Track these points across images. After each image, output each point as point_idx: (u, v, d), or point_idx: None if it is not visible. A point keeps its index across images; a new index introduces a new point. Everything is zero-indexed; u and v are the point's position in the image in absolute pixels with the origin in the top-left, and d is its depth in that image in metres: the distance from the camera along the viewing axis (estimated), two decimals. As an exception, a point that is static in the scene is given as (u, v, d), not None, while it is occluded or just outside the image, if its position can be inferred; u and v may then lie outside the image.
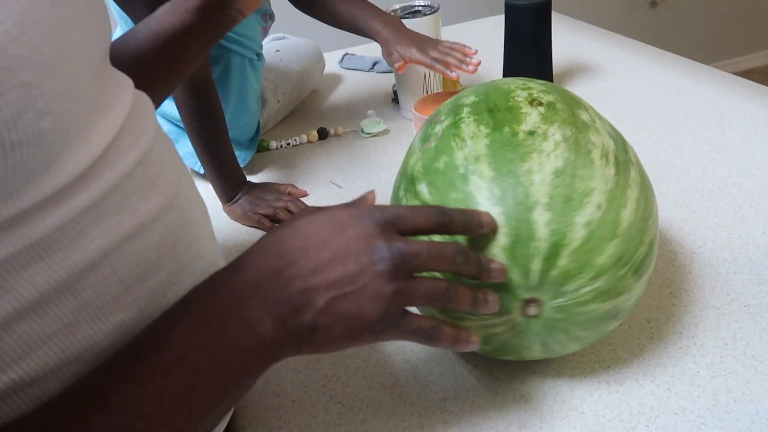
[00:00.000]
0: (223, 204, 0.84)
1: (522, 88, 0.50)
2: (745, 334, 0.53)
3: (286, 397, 0.53)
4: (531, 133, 0.45)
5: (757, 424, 0.46)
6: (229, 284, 0.36)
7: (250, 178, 0.91)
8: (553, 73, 1.11)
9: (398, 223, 0.39)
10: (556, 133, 0.45)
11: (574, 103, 0.49)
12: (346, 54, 1.34)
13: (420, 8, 1.00)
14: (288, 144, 1.00)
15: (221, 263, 0.47)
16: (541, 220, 0.43)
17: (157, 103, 0.58)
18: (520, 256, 0.42)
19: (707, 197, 0.72)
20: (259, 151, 0.99)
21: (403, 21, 0.94)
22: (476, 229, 0.42)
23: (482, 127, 0.47)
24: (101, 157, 0.35)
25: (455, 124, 0.49)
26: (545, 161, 0.44)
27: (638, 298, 0.49)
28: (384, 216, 0.39)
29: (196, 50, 0.57)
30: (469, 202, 0.44)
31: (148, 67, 0.54)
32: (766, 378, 0.49)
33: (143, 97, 0.43)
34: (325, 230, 0.38)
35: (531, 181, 0.44)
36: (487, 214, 0.43)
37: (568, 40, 1.28)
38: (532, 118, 0.47)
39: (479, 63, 0.85)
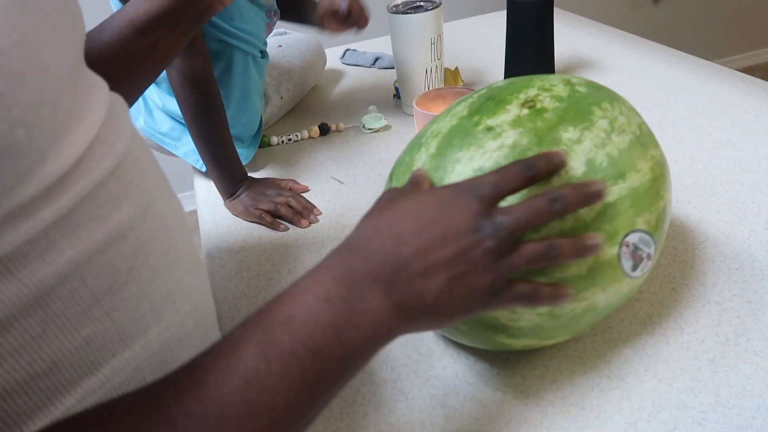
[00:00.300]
0: (224, 199, 0.84)
1: (541, 87, 0.49)
2: (747, 329, 0.53)
3: (287, 391, 0.53)
4: (490, 128, 0.46)
5: (759, 419, 0.46)
6: (349, 268, 0.36)
7: (251, 174, 0.91)
8: (555, 69, 1.11)
9: (495, 194, 0.40)
10: (510, 137, 0.45)
11: (575, 119, 0.47)
12: (348, 49, 1.33)
13: (422, 3, 0.99)
14: (289, 140, 1.00)
15: (201, 269, 0.46)
16: None
17: (136, 95, 0.57)
18: None
19: (709, 193, 0.72)
20: (260, 146, 0.99)
21: (406, 17, 0.94)
22: (560, 166, 0.42)
23: (466, 110, 0.49)
24: (74, 167, 0.33)
25: (459, 102, 0.52)
26: (476, 157, 0.46)
27: (535, 325, 0.46)
28: (482, 191, 0.39)
29: (173, 39, 0.54)
30: (407, 168, 0.49)
31: (124, 56, 0.52)
32: (767, 373, 0.49)
33: (118, 102, 0.42)
34: (432, 210, 0.39)
35: (452, 170, 0.46)
36: (558, 152, 0.42)
37: (571, 36, 1.27)
38: (506, 116, 0.47)
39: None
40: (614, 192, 0.45)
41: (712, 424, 0.46)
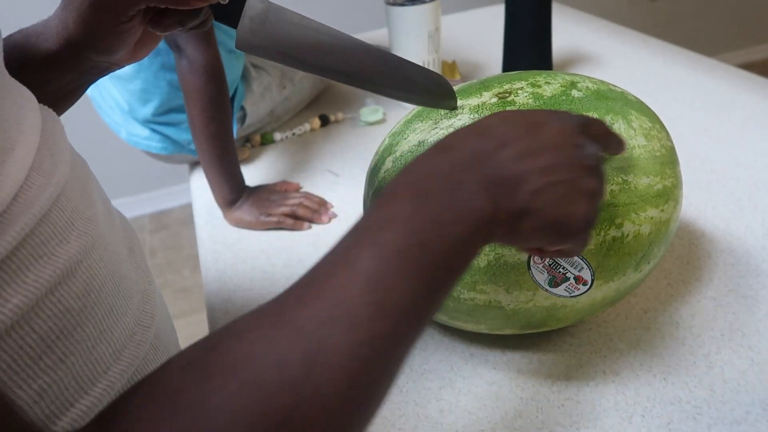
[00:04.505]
0: (225, 210, 0.79)
1: (532, 83, 0.49)
2: (742, 324, 0.53)
3: (282, 384, 0.53)
4: (454, 108, 0.49)
5: (753, 414, 0.46)
6: (440, 164, 0.35)
7: (249, 169, 0.90)
8: (553, 63, 1.11)
9: (588, 128, 0.39)
10: (461, 120, 0.48)
11: None
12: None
13: (420, -4, 0.99)
14: (293, 134, 0.99)
15: (155, 289, 0.43)
16: (389, 165, 0.50)
17: (71, 101, 0.50)
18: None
19: (706, 189, 0.72)
20: (263, 143, 0.98)
21: (404, 9, 0.94)
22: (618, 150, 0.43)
23: (460, 89, 0.53)
24: (11, 204, 0.30)
25: (472, 82, 0.55)
26: (426, 130, 0.49)
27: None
28: (580, 119, 0.39)
29: (54, 91, 0.46)
30: (390, 145, 0.52)
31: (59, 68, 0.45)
32: (761, 368, 0.49)
33: (51, 118, 0.37)
34: (532, 119, 0.38)
35: (406, 136, 0.50)
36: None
37: (570, 30, 1.27)
38: (475, 100, 0.49)
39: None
40: None
41: (706, 419, 0.46)
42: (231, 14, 0.43)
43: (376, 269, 0.30)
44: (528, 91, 0.48)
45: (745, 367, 0.49)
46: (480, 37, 1.30)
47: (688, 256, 0.62)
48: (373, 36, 1.39)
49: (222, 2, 0.42)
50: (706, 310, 0.55)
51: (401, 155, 0.50)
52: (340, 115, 1.01)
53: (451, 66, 1.09)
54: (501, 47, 1.22)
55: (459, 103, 0.49)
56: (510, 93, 0.49)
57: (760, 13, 3.06)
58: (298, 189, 0.84)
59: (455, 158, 0.35)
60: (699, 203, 0.70)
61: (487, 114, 0.47)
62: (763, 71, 3.06)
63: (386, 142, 0.53)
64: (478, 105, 0.48)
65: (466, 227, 0.33)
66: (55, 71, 0.44)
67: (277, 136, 0.98)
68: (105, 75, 0.48)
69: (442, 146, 0.36)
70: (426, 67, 0.97)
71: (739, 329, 0.53)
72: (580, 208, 0.37)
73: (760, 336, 0.52)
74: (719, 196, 0.70)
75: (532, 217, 0.36)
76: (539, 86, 0.49)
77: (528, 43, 0.98)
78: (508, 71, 1.02)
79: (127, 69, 0.85)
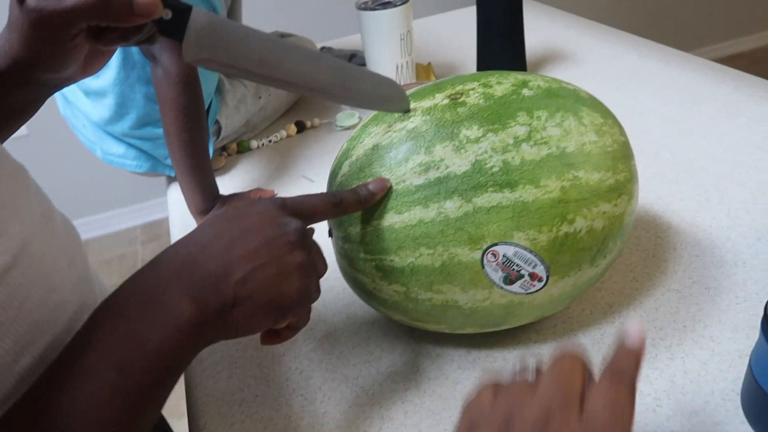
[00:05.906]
0: (198, 219, 0.79)
1: (484, 83, 0.50)
2: (704, 315, 0.54)
3: (249, 391, 0.53)
4: (408, 110, 0.49)
5: (711, 404, 0.46)
6: (142, 280, 0.36)
7: (224, 178, 0.91)
8: (527, 61, 1.11)
9: (296, 208, 0.42)
10: (414, 123, 0.48)
11: (488, 119, 0.46)
12: (323, 47, 1.33)
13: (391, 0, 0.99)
14: (269, 141, 0.99)
15: (97, 301, 0.43)
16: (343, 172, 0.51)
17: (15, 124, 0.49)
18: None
19: (674, 181, 0.73)
20: (240, 151, 0.98)
21: (375, 13, 0.94)
22: (370, 199, 0.45)
23: (415, 92, 0.53)
24: None
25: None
26: (380, 133, 0.49)
27: (396, 302, 0.49)
28: (282, 201, 0.42)
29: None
30: (343, 154, 0.53)
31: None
32: (722, 359, 0.49)
33: None
34: (229, 215, 0.40)
35: (362, 141, 0.51)
36: (376, 179, 0.46)
37: (544, 27, 1.27)
38: (427, 102, 0.49)
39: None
40: (493, 199, 0.44)
41: (665, 411, 0.46)
42: (175, 29, 0.43)
43: (58, 402, 0.30)
44: (479, 91, 0.49)
45: (706, 358, 0.50)
46: (456, 38, 1.31)
47: (654, 249, 0.62)
48: (347, 41, 1.40)
49: (165, 18, 0.42)
50: (670, 302, 0.56)
51: (356, 159, 0.50)
52: (316, 121, 1.01)
53: (426, 68, 1.09)
54: (475, 48, 1.23)
55: (412, 105, 0.50)
56: (462, 94, 0.49)
57: (746, 4, 3.07)
58: (272, 196, 0.84)
59: (159, 272, 0.36)
60: (667, 196, 0.70)
61: (438, 116, 0.48)
62: (750, 62, 3.07)
63: (344, 146, 0.54)
64: (431, 107, 0.49)
65: (169, 337, 0.33)
66: (6, 89, 0.45)
67: (254, 143, 0.98)
68: (61, 89, 0.49)
69: (150, 262, 0.37)
70: (399, 69, 0.97)
71: (701, 320, 0.53)
72: (292, 283, 0.38)
73: (721, 326, 0.52)
74: (687, 188, 0.71)
75: (243, 305, 0.36)
76: (491, 86, 0.49)
77: (501, 42, 0.98)
78: (482, 71, 1.02)
79: (102, 84, 0.85)
